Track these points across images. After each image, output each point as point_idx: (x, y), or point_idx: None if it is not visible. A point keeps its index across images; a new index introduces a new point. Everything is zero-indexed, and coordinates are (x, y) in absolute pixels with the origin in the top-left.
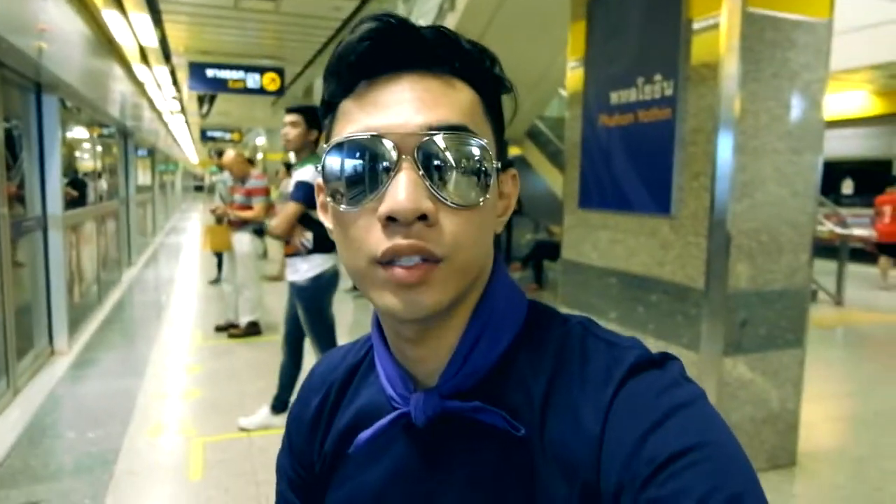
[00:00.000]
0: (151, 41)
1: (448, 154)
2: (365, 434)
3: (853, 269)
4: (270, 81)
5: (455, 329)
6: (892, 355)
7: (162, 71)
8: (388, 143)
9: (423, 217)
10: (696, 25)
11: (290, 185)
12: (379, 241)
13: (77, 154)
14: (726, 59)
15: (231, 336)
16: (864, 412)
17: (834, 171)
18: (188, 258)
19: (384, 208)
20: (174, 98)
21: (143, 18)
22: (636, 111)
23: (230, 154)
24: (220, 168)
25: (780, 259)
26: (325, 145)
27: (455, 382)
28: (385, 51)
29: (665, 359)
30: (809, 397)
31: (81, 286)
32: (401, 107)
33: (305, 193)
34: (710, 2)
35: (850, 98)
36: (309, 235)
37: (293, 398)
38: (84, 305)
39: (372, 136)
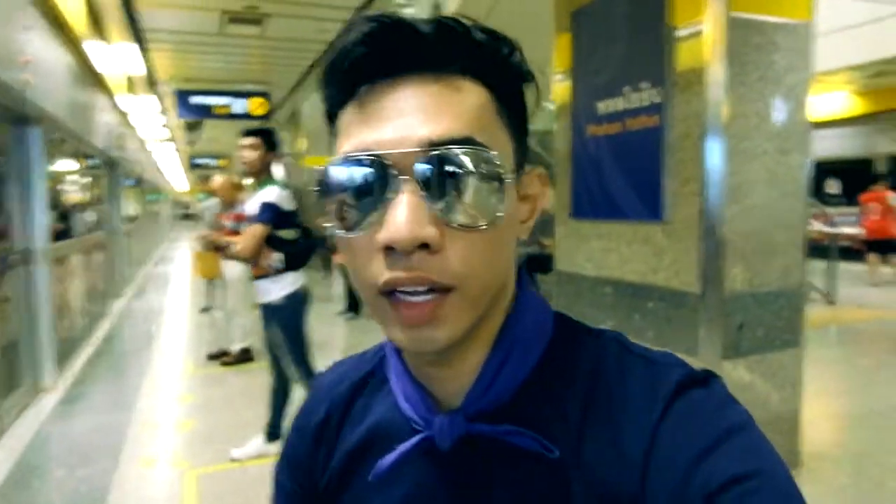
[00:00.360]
0: (137, 70)
1: (453, 171)
2: (387, 460)
3: (843, 267)
4: (257, 106)
5: (479, 347)
6: (886, 351)
7: (148, 99)
8: (385, 163)
9: (424, 245)
10: (680, 32)
11: (252, 206)
12: (379, 271)
13: (63, 186)
14: (712, 64)
15: (223, 364)
16: (862, 409)
17: (819, 172)
18: (178, 287)
19: (383, 236)
20: (161, 126)
21: (127, 47)
22: (624, 120)
23: (219, 179)
24: (209, 194)
25: (773, 260)
26: (317, 168)
27: (481, 405)
28: (381, 54)
29: (708, 376)
30: (808, 396)
31: (68, 319)
32: (400, 120)
33: (271, 214)
34: (693, 8)
35: (831, 99)
36: (277, 256)
37: (286, 423)
38: (72, 339)
39: (368, 156)
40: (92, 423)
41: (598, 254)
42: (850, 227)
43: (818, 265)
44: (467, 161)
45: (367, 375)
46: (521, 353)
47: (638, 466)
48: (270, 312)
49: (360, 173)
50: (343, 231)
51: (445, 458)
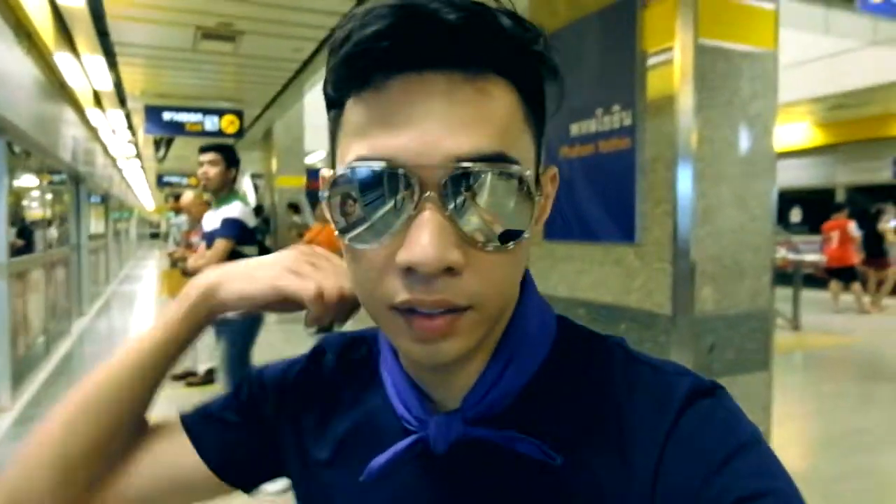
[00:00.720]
0: (106, 84)
1: (482, 190)
2: (379, 460)
3: (807, 294)
4: (229, 124)
5: (482, 353)
6: (850, 376)
7: (117, 115)
8: (408, 176)
9: (448, 268)
10: (650, 56)
11: (214, 222)
12: (396, 290)
13: (25, 201)
14: (681, 89)
15: (189, 385)
16: (831, 433)
17: (782, 200)
18: (144, 306)
19: (404, 257)
20: (129, 142)
21: (96, 61)
22: (597, 142)
23: (189, 196)
24: (177, 212)
25: (742, 282)
26: (328, 172)
27: (481, 408)
28: (407, 49)
29: (715, 386)
30: (777, 420)
31: (27, 338)
32: (424, 126)
33: (235, 230)
34: (662, 34)
35: (793, 130)
36: None
37: None
38: (30, 358)
39: (388, 166)
40: None
41: (571, 275)
42: (813, 255)
43: (783, 292)
44: (497, 180)
45: (358, 361)
46: (524, 356)
47: (646, 478)
48: (224, 327)
49: (378, 183)
50: (354, 242)
51: (440, 462)
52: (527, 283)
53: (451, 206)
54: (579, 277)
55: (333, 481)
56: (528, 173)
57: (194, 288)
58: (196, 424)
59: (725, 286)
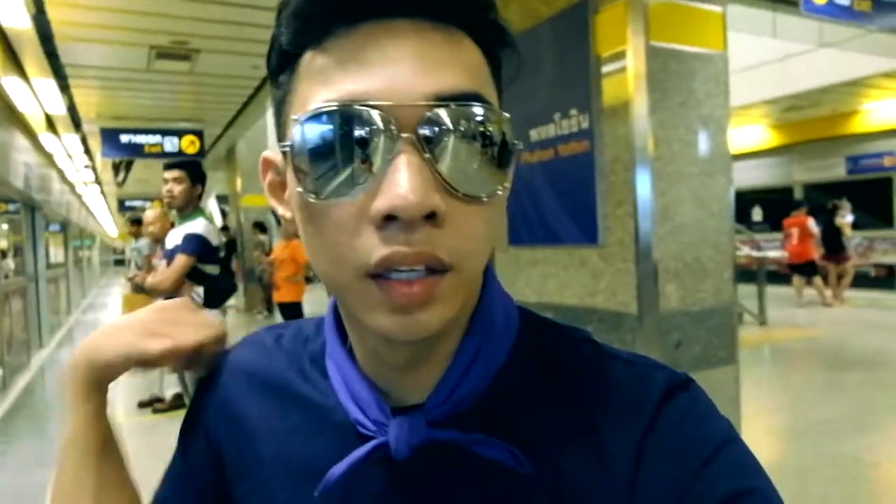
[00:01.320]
0: (58, 108)
1: (463, 131)
2: (335, 471)
3: (771, 290)
4: (189, 144)
5: (448, 345)
6: (817, 367)
7: (72, 139)
8: (383, 117)
9: (430, 215)
10: (603, 61)
11: (175, 239)
12: (372, 246)
13: None
14: (635, 91)
15: (155, 411)
16: (799, 424)
17: (743, 201)
18: None
19: (383, 204)
20: (87, 167)
21: (47, 84)
22: (556, 146)
23: (154, 211)
24: (136, 236)
25: (705, 278)
26: (295, 116)
27: (446, 408)
28: None
29: (688, 380)
30: (746, 414)
31: None
32: (397, 67)
33: (197, 246)
34: (614, 39)
35: (751, 132)
36: (200, 290)
37: None
38: None
39: (362, 106)
40: (7, 483)
41: (537, 280)
42: (775, 252)
43: (749, 289)
44: (478, 120)
45: (297, 357)
46: (492, 346)
47: (624, 480)
48: None
49: (347, 127)
50: (321, 199)
51: (402, 468)
52: (489, 271)
53: (431, 148)
54: (545, 281)
55: (282, 497)
56: (507, 116)
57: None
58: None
59: (688, 283)
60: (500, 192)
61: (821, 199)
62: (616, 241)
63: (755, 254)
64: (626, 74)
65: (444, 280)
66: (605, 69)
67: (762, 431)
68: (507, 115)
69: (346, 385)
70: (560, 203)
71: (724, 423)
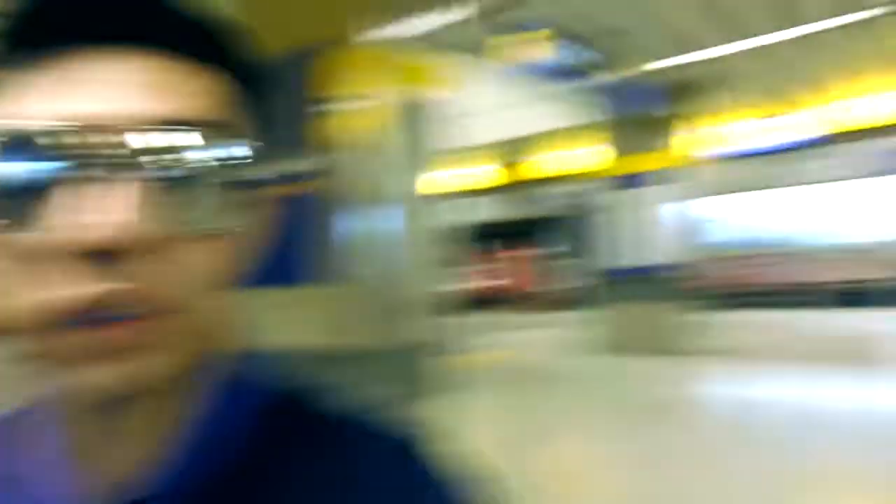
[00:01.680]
0: None
1: (190, 158)
2: None
3: (479, 318)
4: None
5: (172, 409)
6: (518, 385)
7: None
8: (96, 139)
9: (143, 247)
10: (325, 103)
11: None
12: (69, 287)
13: None
14: (357, 133)
15: None
16: (513, 437)
17: (481, 233)
18: None
19: (89, 234)
20: None
21: None
22: (289, 183)
23: None
24: None
25: (410, 314)
26: None
27: (173, 490)
28: (94, 17)
29: (412, 436)
30: (464, 437)
31: None
32: (112, 91)
33: None
34: (337, 83)
35: (484, 171)
36: None
37: None
38: None
39: (74, 127)
40: None
41: (272, 323)
42: (495, 280)
43: (456, 318)
44: (211, 148)
45: None
46: (234, 410)
47: None
48: None
49: (50, 149)
50: (11, 233)
51: None
52: (231, 318)
53: (151, 177)
54: (284, 323)
55: None
56: (248, 152)
57: None
58: None
59: (396, 319)
60: (235, 227)
61: (532, 233)
62: (343, 279)
63: (461, 286)
64: (348, 117)
65: (168, 321)
66: (327, 112)
67: (479, 450)
68: (245, 142)
69: (34, 472)
70: (288, 242)
71: (454, 472)
